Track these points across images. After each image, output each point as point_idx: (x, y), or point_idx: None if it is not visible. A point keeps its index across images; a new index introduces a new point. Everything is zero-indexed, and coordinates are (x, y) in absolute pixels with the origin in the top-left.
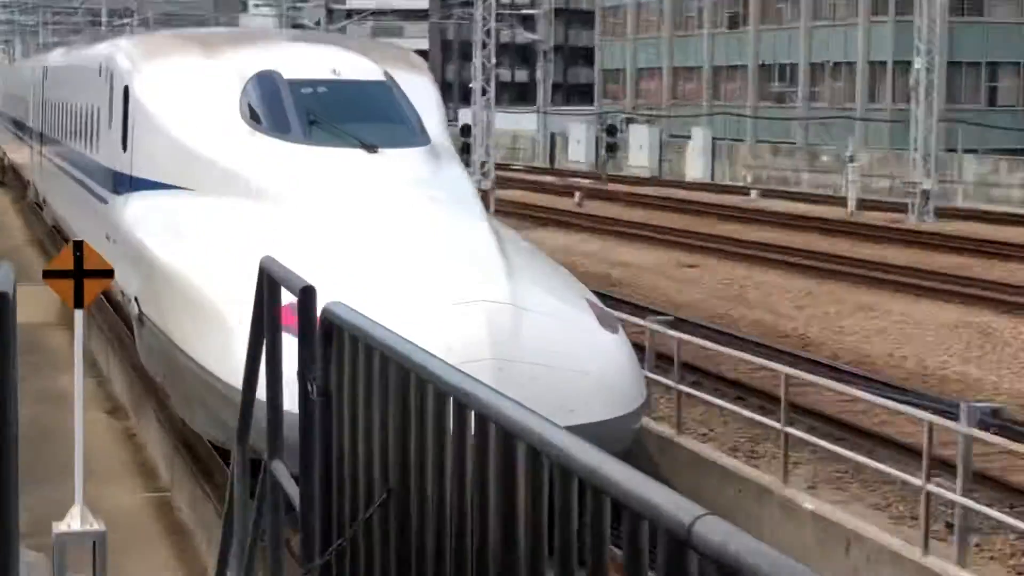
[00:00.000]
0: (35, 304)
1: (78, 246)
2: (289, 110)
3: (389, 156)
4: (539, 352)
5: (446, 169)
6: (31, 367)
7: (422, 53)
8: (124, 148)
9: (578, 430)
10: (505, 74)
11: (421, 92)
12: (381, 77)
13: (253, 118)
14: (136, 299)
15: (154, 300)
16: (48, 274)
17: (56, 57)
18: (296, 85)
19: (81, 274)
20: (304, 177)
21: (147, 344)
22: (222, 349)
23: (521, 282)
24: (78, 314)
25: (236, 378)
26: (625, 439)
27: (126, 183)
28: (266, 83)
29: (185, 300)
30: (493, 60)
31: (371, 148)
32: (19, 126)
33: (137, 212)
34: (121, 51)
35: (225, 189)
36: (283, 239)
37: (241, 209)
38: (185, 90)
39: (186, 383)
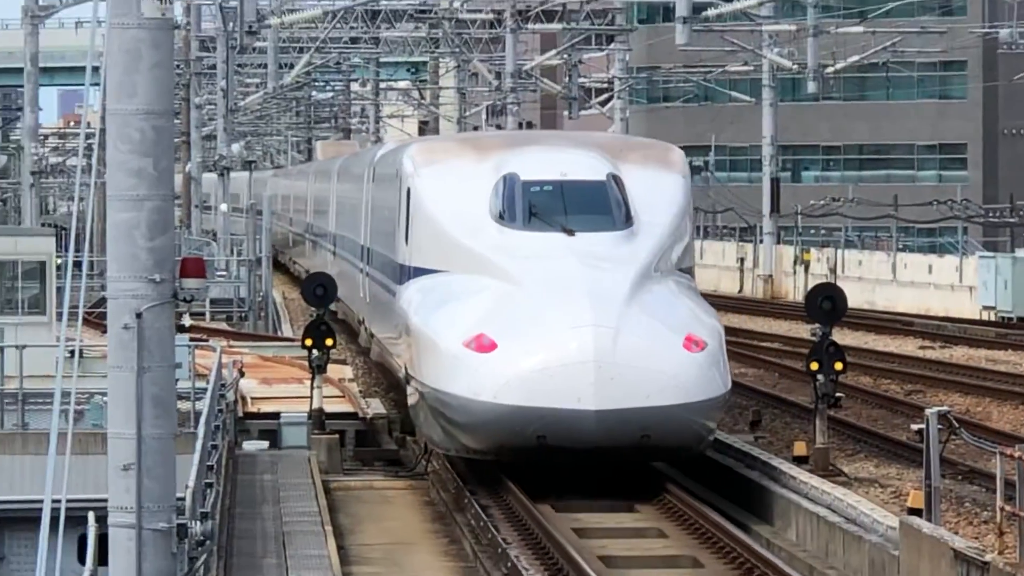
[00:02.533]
0: None
1: None
2: (519, 204)
3: (581, 238)
4: (627, 358)
5: (634, 244)
6: None
7: None
8: (407, 243)
9: (650, 409)
10: None
11: (651, 186)
12: (601, 177)
13: (495, 211)
14: (405, 365)
15: (407, 346)
16: None
17: (349, 162)
18: (528, 184)
19: None
20: (515, 254)
21: (414, 399)
22: (461, 379)
23: (633, 315)
24: None
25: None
26: (688, 418)
27: (407, 273)
28: (508, 184)
29: (427, 346)
30: None
31: (570, 232)
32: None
33: (408, 295)
34: (407, 156)
35: (467, 268)
36: (492, 300)
37: (473, 284)
38: (449, 191)
39: (424, 408)
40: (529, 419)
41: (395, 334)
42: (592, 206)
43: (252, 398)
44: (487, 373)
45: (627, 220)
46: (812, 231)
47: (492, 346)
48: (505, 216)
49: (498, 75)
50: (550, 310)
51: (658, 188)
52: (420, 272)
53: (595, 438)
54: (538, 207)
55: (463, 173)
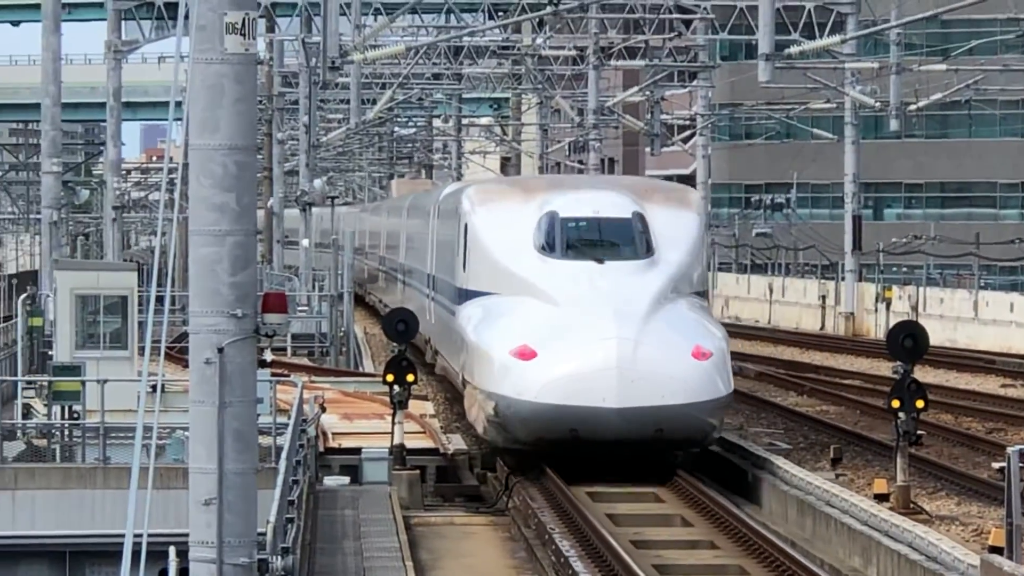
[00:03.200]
0: None
1: None
2: (558, 238)
3: (609, 265)
4: (648, 365)
5: (655, 272)
6: None
7: None
8: (464, 270)
9: (663, 408)
10: None
11: (671, 222)
12: (627, 215)
13: (537, 243)
14: (462, 372)
15: (464, 357)
16: None
17: (418, 199)
18: (566, 221)
19: None
20: (553, 279)
21: (470, 400)
22: (508, 382)
23: (650, 330)
24: None
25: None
26: (697, 416)
27: (464, 295)
28: (549, 220)
29: (480, 357)
30: None
31: (600, 261)
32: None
33: (465, 314)
34: (466, 196)
35: (512, 288)
36: (535, 318)
37: (519, 304)
38: (499, 226)
39: (478, 407)
40: (563, 415)
41: (454, 347)
42: (619, 239)
43: (333, 433)
44: (529, 377)
45: (648, 251)
46: (894, 269)
47: (533, 355)
48: (546, 247)
49: (580, 111)
50: (581, 325)
51: (676, 225)
52: (475, 295)
53: (617, 432)
54: (574, 240)
55: (511, 211)
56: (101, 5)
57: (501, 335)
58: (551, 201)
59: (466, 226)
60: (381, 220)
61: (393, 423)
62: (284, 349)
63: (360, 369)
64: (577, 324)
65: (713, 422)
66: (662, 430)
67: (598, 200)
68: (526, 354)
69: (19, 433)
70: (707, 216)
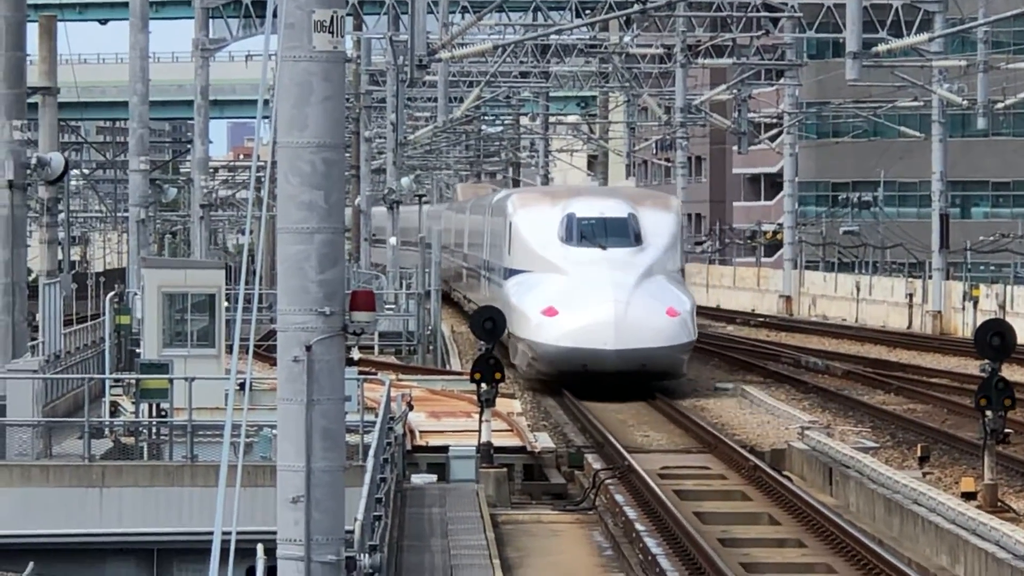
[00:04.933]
0: None
1: None
2: (573, 231)
3: (609, 251)
4: (636, 320)
5: (642, 255)
6: None
7: None
8: (507, 253)
9: (646, 349)
10: None
11: (656, 220)
12: (624, 215)
13: (560, 235)
14: (507, 328)
15: (513, 321)
16: None
17: (475, 204)
18: (580, 219)
19: None
20: (570, 261)
21: (513, 347)
22: (539, 332)
23: (640, 296)
24: None
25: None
26: (670, 355)
27: (508, 272)
28: (568, 219)
29: (521, 315)
30: None
31: (603, 247)
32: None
33: (509, 286)
34: (509, 202)
35: (542, 267)
36: (556, 288)
37: (546, 278)
38: (534, 223)
39: (519, 351)
40: (577, 355)
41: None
42: (618, 232)
43: (420, 431)
44: (553, 329)
45: (638, 241)
46: (981, 267)
47: (556, 313)
48: (566, 238)
49: (667, 109)
50: (589, 293)
51: (659, 222)
52: (516, 272)
53: (614, 366)
54: (585, 233)
55: (542, 212)
56: (188, 3)
57: (534, 300)
58: (570, 205)
59: (511, 223)
60: (464, 218)
61: (480, 421)
62: (371, 347)
63: (447, 367)
64: (586, 292)
65: (682, 359)
66: (645, 365)
67: (603, 204)
68: (551, 312)
69: (107, 431)
70: (683, 216)
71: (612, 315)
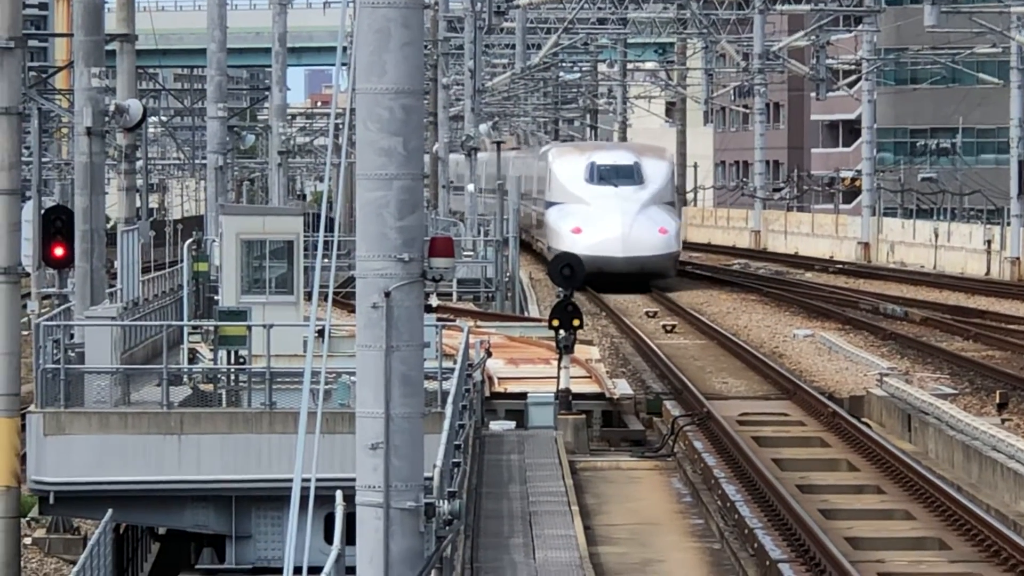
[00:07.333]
0: None
1: None
2: (594, 173)
3: (619, 188)
4: (637, 236)
5: (643, 191)
6: None
7: None
8: (548, 190)
9: (644, 256)
10: None
11: (654, 166)
12: (630, 162)
13: (586, 177)
14: (547, 242)
15: (548, 236)
16: None
17: (530, 152)
18: (599, 165)
19: None
20: (592, 195)
21: (549, 257)
22: (570, 244)
23: (640, 219)
24: None
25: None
26: (661, 261)
27: (548, 204)
28: (592, 165)
29: (556, 233)
30: None
31: (616, 186)
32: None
33: (549, 213)
34: (550, 152)
35: (572, 200)
36: (582, 213)
37: (575, 207)
38: (567, 168)
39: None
40: (596, 261)
41: (543, 231)
42: (626, 175)
43: (499, 378)
44: (580, 242)
45: (641, 181)
46: None
47: (581, 231)
48: (590, 179)
49: (746, 56)
50: (604, 217)
51: (656, 167)
52: (553, 204)
53: (621, 269)
54: (603, 175)
55: (572, 160)
56: None
57: (566, 221)
58: (593, 156)
59: (550, 169)
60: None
61: (559, 368)
62: (450, 294)
63: (526, 314)
64: (602, 217)
65: (669, 264)
66: (644, 267)
67: (616, 155)
68: (577, 231)
69: (185, 378)
70: (674, 162)
71: (620, 233)
